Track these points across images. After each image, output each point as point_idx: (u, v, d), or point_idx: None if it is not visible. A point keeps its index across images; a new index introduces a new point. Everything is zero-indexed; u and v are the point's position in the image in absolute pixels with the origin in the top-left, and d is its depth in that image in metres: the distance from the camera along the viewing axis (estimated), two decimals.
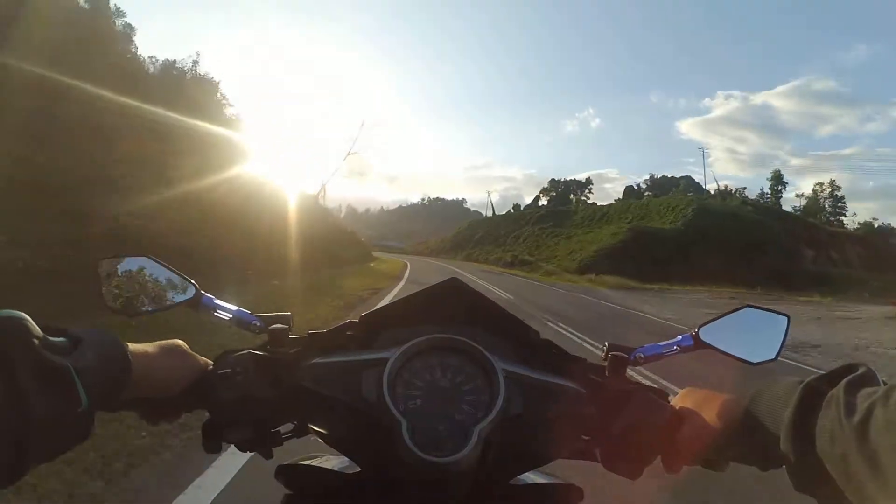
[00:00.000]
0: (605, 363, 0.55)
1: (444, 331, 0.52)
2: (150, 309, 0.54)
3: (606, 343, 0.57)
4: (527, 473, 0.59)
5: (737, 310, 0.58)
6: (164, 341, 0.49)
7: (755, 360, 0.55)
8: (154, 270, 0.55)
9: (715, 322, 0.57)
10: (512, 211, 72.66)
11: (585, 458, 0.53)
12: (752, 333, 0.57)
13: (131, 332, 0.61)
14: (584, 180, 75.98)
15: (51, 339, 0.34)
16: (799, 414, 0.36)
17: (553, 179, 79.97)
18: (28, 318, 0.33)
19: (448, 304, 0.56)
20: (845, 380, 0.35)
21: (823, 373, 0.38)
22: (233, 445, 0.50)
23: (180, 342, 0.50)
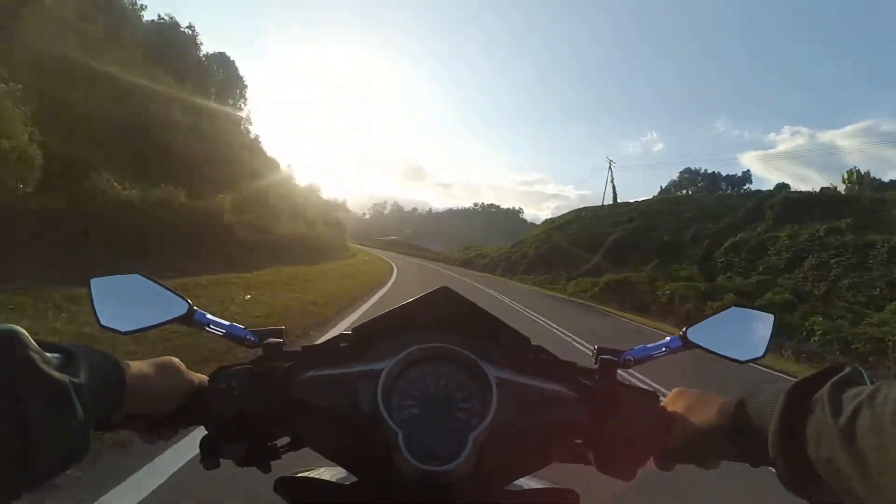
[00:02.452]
0: (596, 367, 0.56)
1: (437, 340, 0.52)
2: (143, 326, 0.54)
3: (596, 346, 0.57)
4: (522, 479, 0.59)
5: (724, 310, 0.59)
6: (158, 358, 0.49)
7: (743, 359, 0.56)
8: (146, 287, 0.55)
9: (703, 323, 0.58)
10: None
11: (579, 462, 0.54)
12: (739, 333, 0.58)
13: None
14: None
15: (47, 354, 0.34)
16: (786, 415, 0.37)
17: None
18: (24, 332, 0.33)
19: (440, 312, 0.56)
20: (831, 380, 0.36)
21: (812, 374, 0.39)
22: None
23: (174, 359, 0.50)
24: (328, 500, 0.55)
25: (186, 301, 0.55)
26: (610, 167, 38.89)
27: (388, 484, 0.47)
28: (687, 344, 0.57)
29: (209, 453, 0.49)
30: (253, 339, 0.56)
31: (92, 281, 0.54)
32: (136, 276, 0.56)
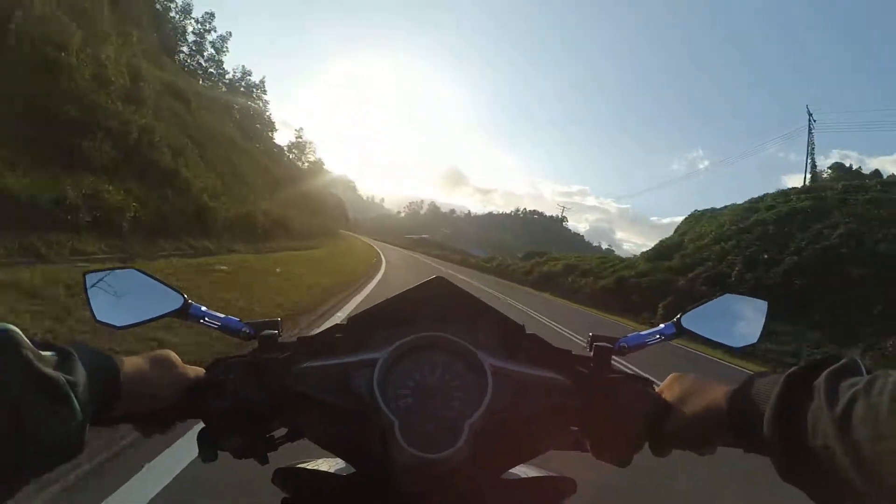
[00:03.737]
0: (591, 354, 0.56)
1: (432, 329, 0.52)
2: (138, 320, 0.54)
3: (591, 334, 0.57)
4: (519, 467, 0.59)
5: (717, 296, 0.59)
6: (153, 352, 0.49)
7: (738, 345, 0.56)
8: (141, 282, 0.55)
9: (696, 309, 0.58)
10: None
11: (575, 449, 0.54)
12: (732, 319, 0.58)
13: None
14: None
15: (41, 352, 0.34)
16: (781, 405, 0.36)
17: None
18: (18, 330, 0.33)
19: (434, 302, 0.56)
20: (828, 370, 0.35)
21: (807, 362, 0.38)
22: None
23: (170, 353, 0.50)
24: (326, 491, 0.55)
25: (182, 295, 0.55)
26: (810, 122, 24.76)
27: (385, 473, 0.47)
28: (681, 331, 0.57)
29: (207, 446, 0.49)
30: (248, 331, 0.56)
31: (87, 275, 0.54)
32: (132, 270, 0.56)
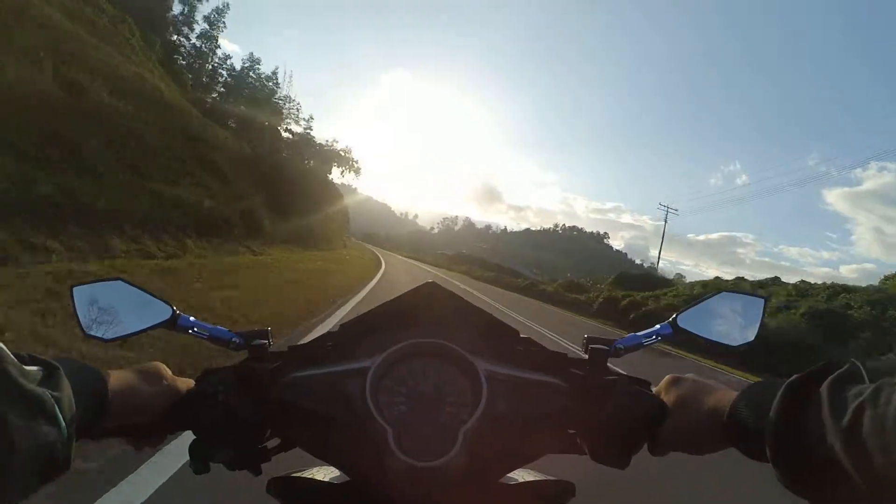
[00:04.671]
0: (586, 357, 0.55)
1: (424, 335, 0.52)
2: (126, 332, 0.53)
3: (586, 336, 0.57)
4: (517, 471, 0.59)
5: (713, 295, 0.58)
6: (143, 365, 0.49)
7: (734, 344, 0.55)
8: (129, 293, 0.55)
9: (692, 308, 0.57)
10: None
11: (573, 452, 0.54)
12: (729, 317, 0.57)
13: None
14: None
15: (25, 367, 0.34)
16: (784, 413, 0.36)
17: None
18: (2, 345, 0.32)
19: (427, 308, 0.56)
20: (830, 377, 0.35)
21: (808, 369, 0.37)
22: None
23: (160, 364, 0.50)
24: (321, 500, 0.55)
25: (170, 305, 0.55)
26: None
27: (380, 482, 0.46)
28: (678, 331, 0.57)
29: (198, 458, 0.49)
30: (238, 340, 0.55)
31: (74, 289, 0.54)
32: (119, 282, 0.55)
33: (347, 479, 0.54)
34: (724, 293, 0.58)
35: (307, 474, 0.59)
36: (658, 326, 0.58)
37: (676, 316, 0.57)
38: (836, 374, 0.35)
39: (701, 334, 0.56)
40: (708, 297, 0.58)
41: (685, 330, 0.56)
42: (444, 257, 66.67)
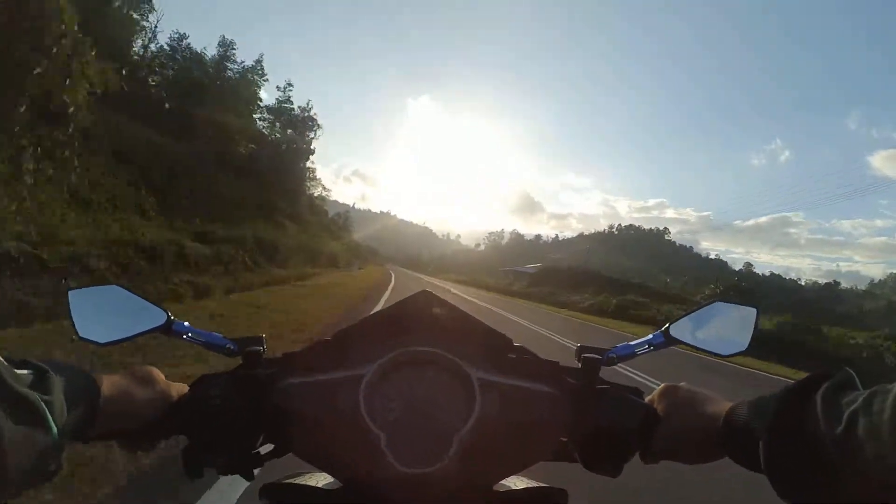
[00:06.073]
0: (579, 366, 0.56)
1: (418, 344, 0.52)
2: (121, 337, 0.53)
3: (578, 345, 0.57)
4: (510, 478, 0.59)
5: (706, 304, 0.58)
6: (136, 368, 0.49)
7: (726, 353, 0.55)
8: (124, 299, 0.55)
9: (685, 318, 0.58)
10: None
11: (565, 460, 0.54)
12: (721, 327, 0.57)
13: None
14: None
15: (16, 371, 0.34)
16: (778, 423, 0.36)
17: None
18: None
19: (421, 316, 0.56)
20: (824, 386, 0.35)
21: (801, 379, 0.38)
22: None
23: (153, 369, 0.50)
24: None
25: (165, 311, 0.55)
26: None
27: (373, 488, 0.47)
28: (670, 340, 0.57)
29: (192, 462, 0.49)
30: (232, 347, 0.55)
31: (70, 293, 0.54)
32: (115, 286, 0.56)
33: (340, 485, 0.54)
34: (717, 303, 0.58)
35: (300, 480, 0.60)
36: (651, 336, 0.58)
37: (669, 325, 0.58)
38: (830, 382, 0.35)
39: (693, 343, 0.56)
40: (701, 307, 0.58)
41: (677, 339, 0.57)
42: (531, 278, 43.58)
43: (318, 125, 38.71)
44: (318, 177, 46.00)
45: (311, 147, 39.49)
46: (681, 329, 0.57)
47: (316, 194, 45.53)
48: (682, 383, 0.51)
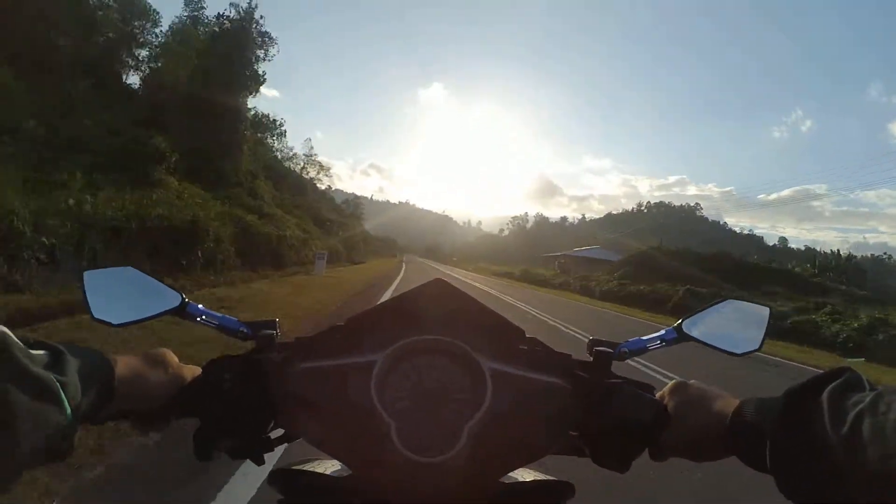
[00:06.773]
0: (591, 359, 0.56)
1: (430, 332, 0.52)
2: (135, 318, 0.54)
3: (590, 338, 0.57)
4: (518, 470, 0.59)
5: (719, 302, 0.58)
6: (150, 351, 0.49)
7: (739, 352, 0.55)
8: (139, 280, 0.55)
9: (697, 315, 0.57)
10: None
11: (574, 454, 0.54)
12: (734, 325, 0.56)
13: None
14: None
15: (32, 352, 0.34)
16: (785, 423, 0.36)
17: None
18: (7, 330, 0.33)
19: (433, 305, 0.56)
20: (830, 386, 0.35)
21: (808, 378, 0.38)
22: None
23: (167, 351, 0.50)
24: (322, 493, 0.55)
25: (179, 293, 0.55)
26: None
27: (382, 476, 0.47)
28: (682, 336, 0.57)
29: (202, 445, 0.49)
30: (246, 331, 0.55)
31: (85, 273, 0.54)
32: (129, 268, 0.56)
33: (349, 472, 0.54)
34: (730, 300, 0.58)
35: (309, 467, 0.60)
36: (663, 332, 0.58)
37: (682, 321, 0.58)
38: (836, 382, 0.35)
39: (705, 341, 0.56)
40: (714, 304, 0.58)
41: (690, 336, 0.56)
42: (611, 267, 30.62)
43: (272, 39, 22.56)
44: (314, 153, 41.01)
45: (260, 72, 22.23)
46: (693, 326, 0.57)
47: (313, 176, 42.06)
48: (692, 380, 0.51)
